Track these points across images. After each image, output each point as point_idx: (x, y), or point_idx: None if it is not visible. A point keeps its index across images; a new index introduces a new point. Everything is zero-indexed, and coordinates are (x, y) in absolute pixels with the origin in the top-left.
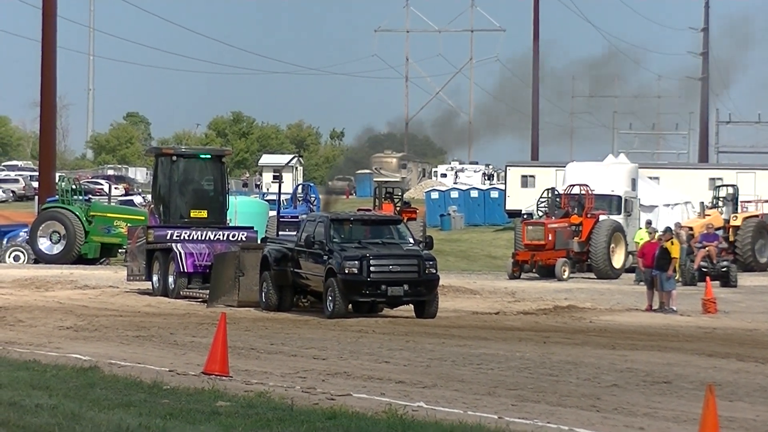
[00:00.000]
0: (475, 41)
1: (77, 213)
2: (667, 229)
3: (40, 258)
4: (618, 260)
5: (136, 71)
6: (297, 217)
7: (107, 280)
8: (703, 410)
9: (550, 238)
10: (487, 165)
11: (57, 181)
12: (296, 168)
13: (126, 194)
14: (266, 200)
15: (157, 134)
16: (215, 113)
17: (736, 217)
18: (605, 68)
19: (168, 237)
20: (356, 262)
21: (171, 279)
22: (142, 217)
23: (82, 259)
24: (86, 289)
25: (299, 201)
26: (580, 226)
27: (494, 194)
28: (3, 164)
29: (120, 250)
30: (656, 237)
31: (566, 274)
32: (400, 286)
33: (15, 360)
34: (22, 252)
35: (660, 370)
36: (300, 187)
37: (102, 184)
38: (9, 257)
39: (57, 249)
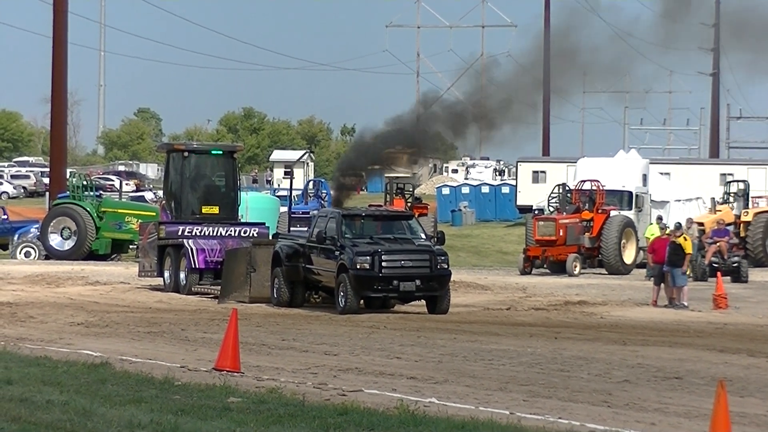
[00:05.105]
0: (486, 37)
1: (88, 209)
2: (678, 225)
3: (51, 254)
4: (629, 256)
5: (147, 67)
6: (308, 212)
7: (118, 276)
8: (714, 406)
9: (561, 233)
10: (498, 161)
11: (68, 177)
12: (307, 164)
13: (137, 190)
14: (277, 196)
15: (168, 130)
16: (226, 109)
17: (747, 212)
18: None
19: (179, 233)
20: (368, 257)
21: (182, 275)
22: (153, 213)
23: (93, 255)
24: (97, 285)
25: (310, 197)
26: (591, 221)
27: (505, 190)
28: (14, 160)
29: (131, 246)
30: (666, 232)
31: (577, 269)
32: (412, 281)
33: (26, 356)
34: (33, 248)
35: (671, 366)
36: (311, 183)
37: (113, 180)
38: (20, 253)
39: (68, 245)
